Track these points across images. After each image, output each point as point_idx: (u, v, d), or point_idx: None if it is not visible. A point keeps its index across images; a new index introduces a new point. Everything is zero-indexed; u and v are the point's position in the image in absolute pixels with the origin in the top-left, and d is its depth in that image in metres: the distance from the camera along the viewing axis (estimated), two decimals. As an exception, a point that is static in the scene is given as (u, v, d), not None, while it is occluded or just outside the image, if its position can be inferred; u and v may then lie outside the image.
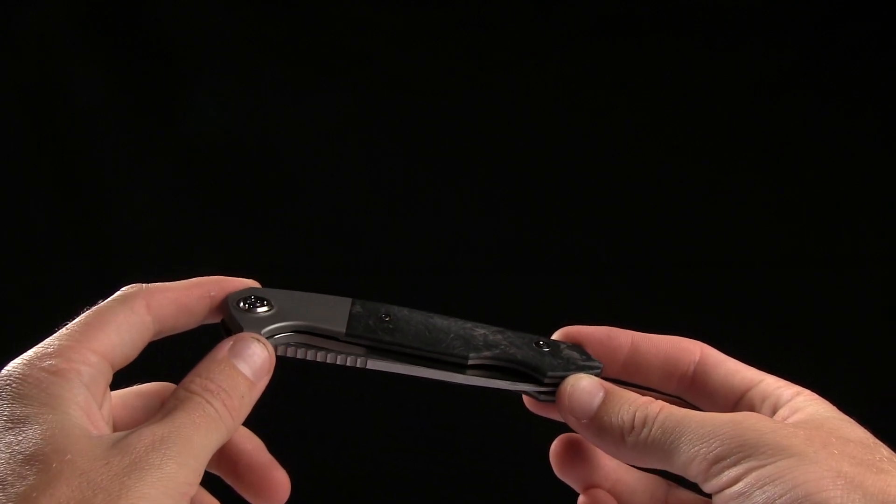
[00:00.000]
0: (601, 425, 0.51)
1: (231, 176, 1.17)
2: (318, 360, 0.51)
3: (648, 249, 1.16)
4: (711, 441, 0.46)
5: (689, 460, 0.47)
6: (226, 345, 0.48)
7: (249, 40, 1.16)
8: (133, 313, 0.49)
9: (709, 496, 0.47)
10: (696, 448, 0.47)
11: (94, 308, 0.49)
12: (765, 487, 0.44)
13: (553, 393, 0.53)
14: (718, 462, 0.46)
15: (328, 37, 1.16)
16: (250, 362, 0.48)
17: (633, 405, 0.50)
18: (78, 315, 0.49)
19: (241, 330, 0.49)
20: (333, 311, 0.51)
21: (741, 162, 1.17)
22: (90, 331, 0.48)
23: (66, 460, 0.42)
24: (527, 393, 0.54)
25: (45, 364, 0.46)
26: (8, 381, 0.45)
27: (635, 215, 1.16)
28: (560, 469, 0.56)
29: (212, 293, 0.51)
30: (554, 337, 0.55)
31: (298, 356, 0.51)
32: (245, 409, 0.47)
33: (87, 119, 1.15)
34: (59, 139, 1.15)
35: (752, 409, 0.51)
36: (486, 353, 0.52)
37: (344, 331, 0.50)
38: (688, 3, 1.16)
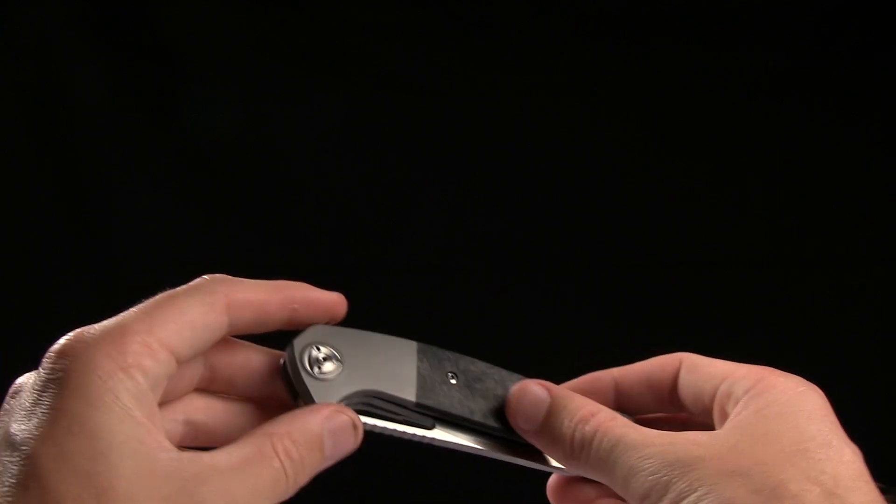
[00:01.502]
0: (547, 439, 0.50)
1: (231, 176, 1.17)
2: (386, 433, 0.50)
3: (648, 249, 1.16)
4: (638, 474, 0.46)
5: (623, 491, 0.47)
6: (325, 411, 0.45)
7: (250, 41, 1.16)
8: (212, 311, 0.44)
9: None
10: (630, 480, 0.47)
11: (169, 295, 0.44)
12: None
13: None
14: (646, 499, 0.46)
15: (328, 37, 1.16)
16: (335, 441, 0.45)
17: (571, 421, 0.49)
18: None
19: (312, 401, 0.46)
20: (401, 368, 0.50)
21: (741, 162, 1.17)
22: (165, 322, 0.42)
23: (122, 489, 0.39)
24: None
25: (111, 353, 0.40)
26: (62, 366, 0.40)
27: (634, 215, 1.16)
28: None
29: (295, 306, 0.47)
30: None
31: (366, 428, 0.49)
32: (304, 482, 0.44)
33: (88, 120, 1.15)
34: (59, 141, 1.15)
35: (721, 407, 0.50)
36: None
37: (414, 400, 0.50)
38: (686, 3, 1.16)
